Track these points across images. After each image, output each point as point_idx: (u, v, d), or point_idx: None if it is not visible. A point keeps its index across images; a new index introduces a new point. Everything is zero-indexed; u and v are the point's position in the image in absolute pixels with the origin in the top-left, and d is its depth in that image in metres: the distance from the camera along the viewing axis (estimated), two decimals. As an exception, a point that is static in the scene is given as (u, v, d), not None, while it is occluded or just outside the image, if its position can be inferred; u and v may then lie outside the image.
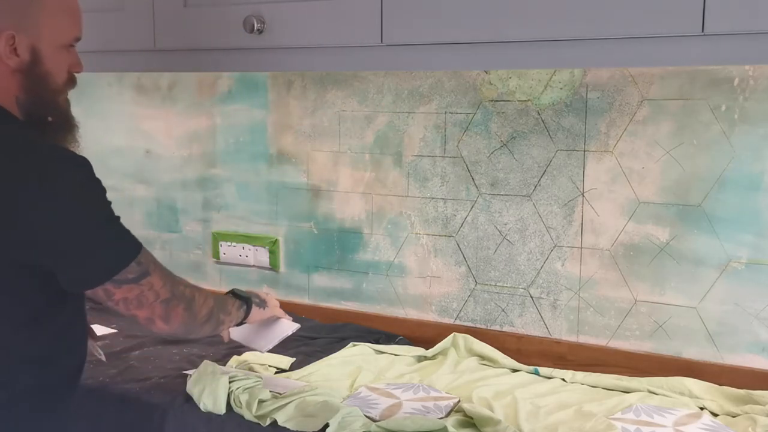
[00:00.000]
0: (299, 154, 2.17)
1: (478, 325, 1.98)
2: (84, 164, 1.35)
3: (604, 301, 1.83)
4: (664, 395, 1.64)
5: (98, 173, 1.37)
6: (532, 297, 1.91)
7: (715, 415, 1.57)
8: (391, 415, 1.53)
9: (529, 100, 1.86)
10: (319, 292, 2.19)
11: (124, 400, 1.67)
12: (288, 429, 1.51)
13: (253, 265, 2.28)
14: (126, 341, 1.99)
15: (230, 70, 2.06)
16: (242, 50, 1.78)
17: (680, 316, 1.76)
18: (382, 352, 1.90)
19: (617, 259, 1.80)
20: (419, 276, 2.04)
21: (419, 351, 1.90)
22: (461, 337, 1.90)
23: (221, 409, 1.57)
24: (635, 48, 1.40)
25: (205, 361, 1.69)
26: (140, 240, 1.41)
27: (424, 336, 1.99)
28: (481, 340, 1.89)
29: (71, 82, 1.48)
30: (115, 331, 2.09)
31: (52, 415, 1.45)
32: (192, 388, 1.61)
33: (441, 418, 1.52)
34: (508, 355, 1.85)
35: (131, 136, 2.41)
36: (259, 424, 1.53)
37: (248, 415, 1.54)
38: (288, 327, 1.82)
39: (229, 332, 1.70)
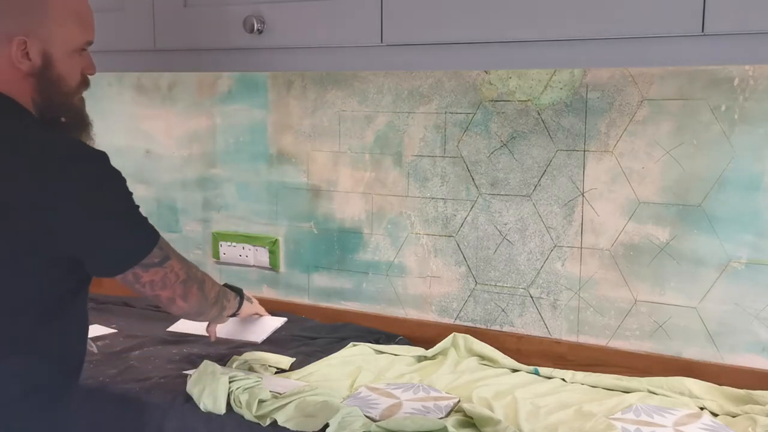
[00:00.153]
0: (299, 154, 2.17)
1: (478, 325, 1.98)
2: (104, 158, 1.42)
3: (604, 301, 1.83)
4: (664, 395, 1.64)
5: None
6: (532, 297, 1.91)
7: (715, 415, 1.57)
8: (391, 415, 1.53)
9: (529, 100, 1.86)
10: (319, 292, 2.19)
11: (124, 400, 1.67)
12: (288, 429, 1.50)
13: (253, 265, 2.28)
14: (126, 341, 1.99)
15: (230, 70, 2.06)
16: (242, 50, 1.78)
17: (680, 316, 1.76)
18: (382, 352, 1.90)
19: (617, 259, 1.80)
20: (419, 276, 2.04)
21: (419, 351, 1.90)
22: (461, 337, 1.90)
23: (221, 409, 1.56)
24: (635, 48, 1.40)
25: (205, 361, 1.69)
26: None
27: (424, 336, 1.99)
28: (481, 340, 1.89)
29: (84, 83, 1.54)
30: (115, 331, 2.09)
31: (58, 406, 1.49)
32: (192, 388, 1.61)
33: (441, 418, 1.52)
34: (508, 355, 1.85)
35: (131, 136, 2.41)
36: (259, 424, 1.53)
37: (248, 415, 1.54)
38: (276, 320, 1.89)
39: (215, 331, 1.79)
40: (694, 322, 1.74)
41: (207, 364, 1.66)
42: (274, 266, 2.24)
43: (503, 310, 1.94)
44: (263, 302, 2.24)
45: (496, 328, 1.96)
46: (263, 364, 1.80)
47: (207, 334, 1.84)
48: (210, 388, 1.59)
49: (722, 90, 1.67)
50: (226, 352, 1.87)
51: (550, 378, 1.76)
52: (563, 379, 1.74)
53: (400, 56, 1.62)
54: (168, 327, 2.05)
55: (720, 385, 1.65)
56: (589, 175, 1.81)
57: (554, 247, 1.87)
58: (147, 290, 1.49)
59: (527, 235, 1.89)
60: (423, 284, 2.04)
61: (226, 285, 1.76)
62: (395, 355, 1.88)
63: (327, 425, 1.47)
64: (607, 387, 1.70)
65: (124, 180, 1.44)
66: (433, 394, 1.65)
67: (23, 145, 1.40)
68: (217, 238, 2.32)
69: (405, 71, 1.99)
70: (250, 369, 1.77)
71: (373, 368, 1.80)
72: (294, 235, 2.21)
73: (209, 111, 2.30)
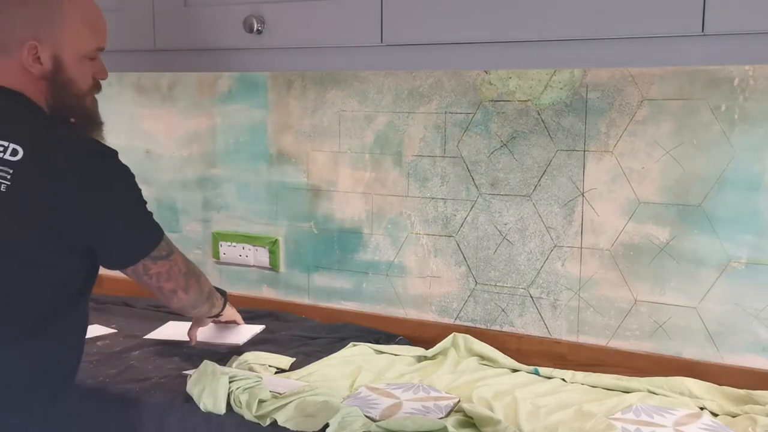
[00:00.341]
0: (299, 154, 2.17)
1: (478, 325, 1.98)
2: (116, 154, 1.50)
3: (604, 301, 1.83)
4: (664, 395, 1.64)
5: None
6: (532, 297, 1.91)
7: (715, 415, 1.57)
8: (391, 415, 1.53)
9: (529, 100, 1.86)
10: (319, 292, 2.19)
11: (124, 400, 1.67)
12: (288, 429, 1.50)
13: (253, 265, 2.28)
14: (126, 341, 1.99)
15: (230, 70, 2.06)
16: (242, 50, 1.78)
17: (680, 316, 1.76)
18: (382, 352, 1.90)
19: (617, 259, 1.80)
20: (419, 276, 2.04)
21: (419, 351, 1.90)
22: (461, 337, 1.90)
23: (221, 409, 1.57)
24: (635, 48, 1.40)
25: (205, 361, 1.69)
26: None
27: (424, 336, 1.99)
28: (481, 340, 1.89)
29: (96, 87, 1.60)
30: (115, 331, 2.09)
31: (58, 401, 1.53)
32: (192, 388, 1.61)
33: (441, 418, 1.52)
34: (508, 355, 1.85)
35: (131, 136, 2.41)
36: (259, 424, 1.53)
37: (248, 415, 1.54)
38: (254, 327, 1.94)
39: (196, 335, 1.86)
40: (694, 322, 1.74)
41: (207, 364, 1.66)
42: (274, 266, 2.24)
43: (503, 310, 1.94)
44: (263, 302, 2.25)
45: (496, 328, 1.96)
46: (263, 364, 1.80)
47: (187, 339, 1.87)
48: (210, 388, 1.59)
49: (722, 90, 1.67)
50: (226, 352, 1.87)
51: (550, 378, 1.76)
52: (563, 379, 1.74)
53: (400, 56, 1.62)
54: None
55: (720, 385, 1.65)
56: (589, 175, 1.81)
57: (554, 247, 1.87)
58: (153, 282, 1.57)
59: (527, 235, 1.89)
60: (423, 284, 2.04)
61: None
62: (395, 355, 1.88)
63: (327, 425, 1.47)
64: (607, 387, 1.70)
65: (133, 176, 1.52)
66: (433, 394, 1.65)
67: (40, 141, 1.46)
68: (217, 238, 2.32)
69: (405, 71, 1.99)
70: (250, 369, 1.77)
71: (373, 368, 1.80)
72: (294, 235, 2.21)
73: (209, 111, 2.29)
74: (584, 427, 1.49)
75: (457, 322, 2.00)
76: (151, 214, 1.55)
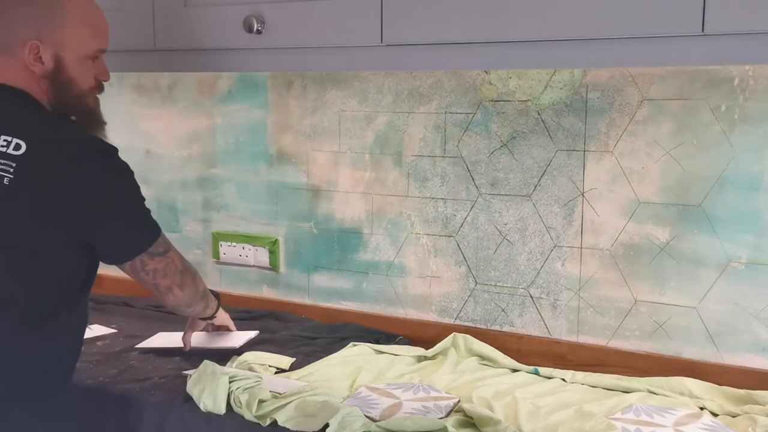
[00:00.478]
0: (299, 154, 2.17)
1: (478, 325, 1.98)
2: (116, 151, 1.52)
3: (604, 301, 1.83)
4: (664, 395, 1.64)
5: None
6: (532, 297, 1.91)
7: (715, 415, 1.57)
8: (391, 415, 1.53)
9: (529, 100, 1.86)
10: (319, 292, 2.19)
11: (124, 400, 1.67)
12: (288, 429, 1.50)
13: (253, 265, 2.28)
14: (126, 341, 1.99)
15: (230, 70, 2.06)
16: (242, 50, 1.78)
17: (680, 316, 1.76)
18: (382, 352, 1.90)
19: (617, 259, 1.80)
20: (419, 276, 2.04)
21: (419, 351, 1.90)
22: (461, 337, 1.90)
23: (221, 409, 1.56)
24: (635, 48, 1.40)
25: (205, 361, 1.69)
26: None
27: (424, 336, 1.99)
28: (481, 340, 1.89)
29: (98, 88, 1.62)
30: (115, 331, 2.09)
31: (57, 397, 1.55)
32: (192, 388, 1.61)
33: (441, 418, 1.52)
34: (508, 355, 1.85)
35: (131, 136, 2.41)
36: (259, 424, 1.53)
37: (248, 415, 1.54)
38: (248, 333, 1.94)
39: (190, 340, 1.86)
40: (694, 322, 1.74)
41: (207, 364, 1.66)
42: (274, 266, 2.24)
43: (503, 310, 1.94)
44: (263, 302, 2.25)
45: (496, 328, 1.96)
46: (263, 364, 1.80)
47: (180, 345, 1.87)
48: (210, 388, 1.59)
49: (722, 90, 1.67)
50: (226, 353, 1.87)
51: (550, 378, 1.76)
52: (563, 379, 1.74)
53: (400, 56, 1.62)
54: (164, 327, 2.05)
55: (720, 385, 1.65)
56: (589, 175, 1.81)
57: (554, 247, 1.86)
58: (149, 278, 1.58)
59: (527, 235, 1.89)
60: (423, 284, 2.04)
61: None
62: (395, 355, 1.88)
63: (327, 425, 1.47)
64: (607, 387, 1.70)
65: (133, 173, 1.54)
66: (433, 394, 1.65)
67: (42, 137, 1.48)
68: (217, 238, 2.32)
69: (405, 71, 1.99)
70: (250, 369, 1.77)
71: (373, 368, 1.80)
72: (294, 235, 2.21)
73: (209, 111, 2.29)
74: (584, 427, 1.49)
75: (457, 322, 2.00)
76: (149, 211, 1.57)
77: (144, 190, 1.57)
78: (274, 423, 1.52)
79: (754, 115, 1.64)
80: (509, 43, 1.49)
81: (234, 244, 2.29)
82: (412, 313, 2.06)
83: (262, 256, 2.25)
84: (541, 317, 1.90)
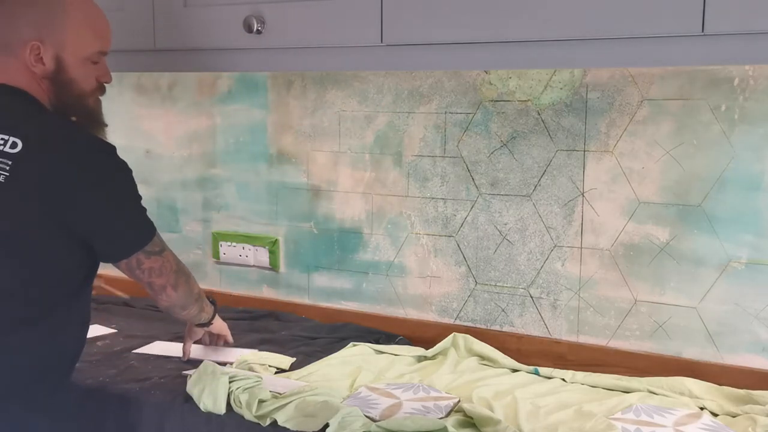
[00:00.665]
0: (299, 154, 2.17)
1: (478, 325, 1.97)
2: (115, 150, 1.53)
3: (604, 301, 1.83)
4: (664, 395, 1.64)
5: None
6: (532, 297, 1.91)
7: (715, 415, 1.57)
8: (391, 415, 1.53)
9: (529, 100, 1.86)
10: (319, 292, 2.19)
11: (124, 400, 1.67)
12: (288, 429, 1.51)
13: (253, 265, 2.28)
14: (126, 341, 1.99)
15: (230, 70, 2.06)
16: (242, 50, 1.78)
17: (680, 316, 1.76)
18: (382, 352, 1.90)
19: (617, 259, 1.80)
20: (419, 276, 2.04)
21: (419, 351, 1.90)
22: (461, 337, 1.90)
23: (221, 409, 1.57)
24: (635, 48, 1.40)
25: (205, 361, 1.69)
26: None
27: (424, 336, 1.99)
28: (481, 340, 1.89)
29: (100, 89, 1.63)
30: (115, 331, 2.09)
31: (57, 394, 1.56)
32: (192, 388, 1.61)
33: (441, 418, 1.52)
34: (508, 355, 1.85)
35: (131, 136, 2.41)
36: (259, 424, 1.53)
37: (248, 415, 1.54)
38: (246, 351, 1.90)
39: (190, 350, 1.85)
40: (694, 322, 1.74)
41: (207, 364, 1.66)
42: (274, 266, 2.24)
43: (503, 310, 1.94)
44: (263, 302, 2.25)
45: (496, 328, 1.96)
46: (263, 364, 1.80)
47: (178, 355, 1.87)
48: (210, 388, 1.59)
49: (722, 90, 1.67)
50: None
51: (550, 378, 1.76)
52: (563, 379, 1.74)
53: (400, 56, 1.62)
54: (164, 327, 2.04)
55: (720, 385, 1.65)
56: (589, 175, 1.81)
57: (554, 247, 1.86)
58: (145, 276, 1.59)
59: (527, 235, 1.89)
60: (423, 284, 2.04)
61: None
62: (395, 355, 1.88)
63: (327, 425, 1.47)
64: (607, 387, 1.70)
65: (131, 171, 1.56)
66: (433, 394, 1.65)
67: (40, 135, 1.48)
68: (217, 238, 2.32)
69: (405, 71, 1.99)
70: (250, 369, 1.77)
71: (373, 368, 1.80)
72: (294, 235, 2.21)
73: (209, 111, 2.29)
74: (584, 427, 1.49)
75: (457, 322, 2.00)
76: (145, 210, 1.58)
77: (144, 190, 1.57)
78: (274, 423, 1.52)
79: (754, 115, 1.64)
80: (509, 43, 1.49)
81: (234, 244, 2.29)
82: (412, 313, 2.06)
83: (262, 256, 2.25)
84: (541, 317, 1.90)
